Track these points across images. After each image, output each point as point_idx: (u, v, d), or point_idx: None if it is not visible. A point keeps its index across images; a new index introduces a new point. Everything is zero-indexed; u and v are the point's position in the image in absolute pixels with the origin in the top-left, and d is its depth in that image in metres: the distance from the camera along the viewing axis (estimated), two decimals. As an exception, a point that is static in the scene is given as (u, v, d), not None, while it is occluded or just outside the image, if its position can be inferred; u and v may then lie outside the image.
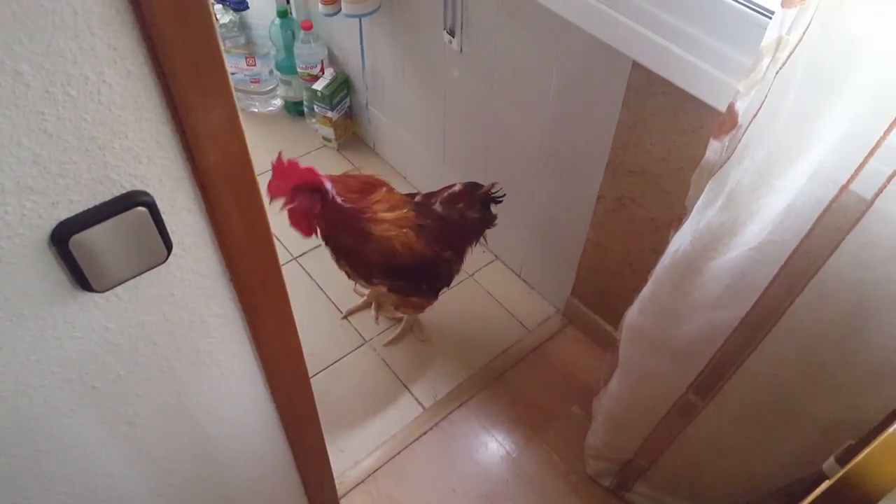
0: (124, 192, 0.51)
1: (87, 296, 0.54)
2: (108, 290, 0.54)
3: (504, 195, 1.46)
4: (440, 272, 1.46)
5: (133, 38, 0.45)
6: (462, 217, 1.42)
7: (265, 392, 0.80)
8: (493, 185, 1.44)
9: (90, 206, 0.50)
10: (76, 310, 0.54)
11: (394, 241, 1.29)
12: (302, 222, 1.24)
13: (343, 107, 2.02)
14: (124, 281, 0.55)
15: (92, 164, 0.48)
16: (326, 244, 1.35)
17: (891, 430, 0.51)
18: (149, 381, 0.65)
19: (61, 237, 0.49)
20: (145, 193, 0.52)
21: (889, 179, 0.69)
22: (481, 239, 1.51)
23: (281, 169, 1.18)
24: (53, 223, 0.49)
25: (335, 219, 1.25)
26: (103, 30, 0.43)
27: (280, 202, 1.19)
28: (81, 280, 0.52)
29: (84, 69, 0.44)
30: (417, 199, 1.42)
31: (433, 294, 1.51)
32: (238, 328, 0.69)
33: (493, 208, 1.47)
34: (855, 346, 0.82)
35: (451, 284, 1.53)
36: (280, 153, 1.17)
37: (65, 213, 0.49)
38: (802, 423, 0.94)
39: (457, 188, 1.43)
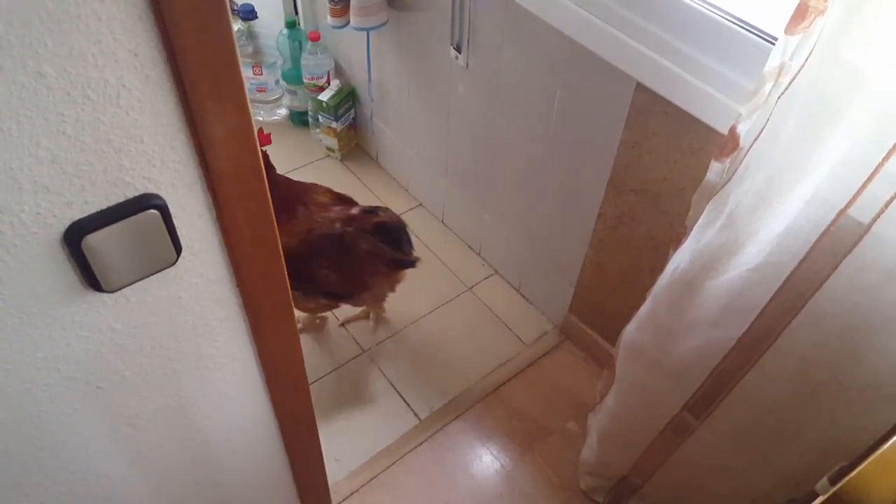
0: (137, 194, 0.52)
1: (96, 296, 0.55)
2: (117, 290, 0.55)
3: (408, 245, 1.36)
4: (317, 277, 1.39)
5: (154, 44, 0.46)
6: (353, 241, 1.33)
7: (265, 398, 0.81)
8: (387, 219, 1.32)
9: (104, 207, 0.51)
10: (84, 309, 0.55)
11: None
12: None
13: (348, 118, 2.04)
14: (133, 282, 0.56)
15: (108, 166, 0.49)
16: None
17: (881, 450, 0.52)
18: (152, 383, 0.66)
19: (74, 237, 0.50)
20: (158, 197, 0.53)
21: (887, 205, 0.70)
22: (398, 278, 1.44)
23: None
24: (67, 223, 0.49)
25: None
26: (125, 35, 0.44)
27: None
28: (91, 280, 0.52)
29: (105, 73, 0.45)
30: (355, 210, 1.37)
31: (323, 297, 1.45)
32: (241, 333, 0.70)
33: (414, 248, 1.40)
34: (849, 368, 0.83)
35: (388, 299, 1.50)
36: (261, 128, 1.19)
37: (79, 214, 0.50)
38: (796, 444, 0.95)
39: (354, 211, 1.35)
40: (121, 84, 0.46)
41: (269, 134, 1.35)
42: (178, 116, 0.50)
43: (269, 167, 1.29)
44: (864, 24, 0.65)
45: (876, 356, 0.79)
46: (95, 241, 0.50)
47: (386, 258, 1.38)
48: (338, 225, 1.35)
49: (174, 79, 0.48)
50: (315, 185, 1.46)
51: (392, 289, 1.51)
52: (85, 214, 0.50)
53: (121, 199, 0.51)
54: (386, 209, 1.42)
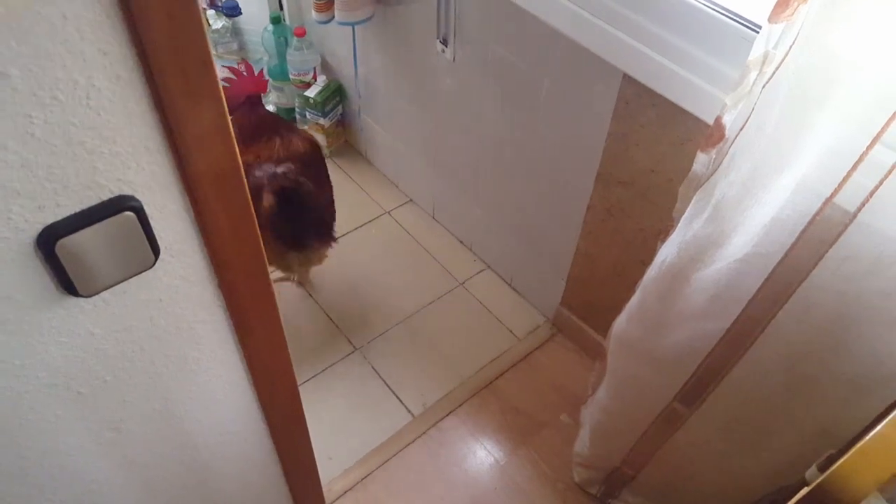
0: (112, 196, 0.51)
1: (73, 301, 0.54)
2: (94, 294, 0.54)
3: (295, 210, 1.37)
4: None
5: (123, 42, 0.45)
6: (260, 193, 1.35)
7: (253, 399, 0.80)
8: (294, 184, 1.35)
9: (77, 210, 0.50)
10: (62, 315, 0.54)
11: None
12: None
13: (335, 114, 2.03)
14: (111, 286, 0.55)
15: (80, 168, 0.48)
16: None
17: (866, 439, 0.52)
18: (135, 387, 0.65)
19: (47, 241, 0.49)
20: (133, 198, 0.52)
21: (872, 193, 0.70)
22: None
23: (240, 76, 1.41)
24: (40, 227, 0.48)
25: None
26: (93, 34, 0.43)
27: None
28: (67, 285, 0.52)
29: (73, 73, 0.44)
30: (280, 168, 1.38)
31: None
32: (226, 334, 0.69)
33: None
34: (837, 357, 0.83)
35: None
36: (246, 61, 1.30)
37: (51, 218, 0.49)
38: (786, 433, 0.95)
39: (280, 170, 1.37)
40: (90, 84, 0.45)
41: (267, 81, 1.46)
42: (152, 116, 0.49)
43: (258, 104, 1.49)
44: (847, 12, 0.64)
45: (862, 345, 0.79)
46: (70, 245, 0.50)
47: (284, 232, 1.40)
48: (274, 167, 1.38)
49: (146, 77, 0.47)
50: (301, 130, 1.56)
51: (319, 262, 1.58)
52: (58, 218, 0.49)
53: (95, 202, 0.50)
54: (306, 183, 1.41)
